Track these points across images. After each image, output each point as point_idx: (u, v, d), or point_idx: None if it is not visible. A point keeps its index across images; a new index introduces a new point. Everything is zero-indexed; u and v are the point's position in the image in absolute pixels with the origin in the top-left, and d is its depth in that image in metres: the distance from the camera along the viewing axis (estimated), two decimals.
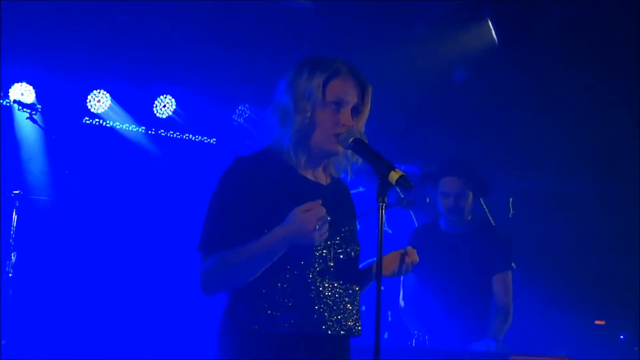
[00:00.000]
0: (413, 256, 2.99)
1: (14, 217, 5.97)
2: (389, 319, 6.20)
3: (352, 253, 2.99)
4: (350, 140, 2.86)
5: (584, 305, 7.21)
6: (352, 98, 2.95)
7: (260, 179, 2.87)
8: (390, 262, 2.99)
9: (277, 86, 3.03)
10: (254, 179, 2.87)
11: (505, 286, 5.17)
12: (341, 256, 2.94)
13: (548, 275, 7.37)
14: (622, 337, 6.99)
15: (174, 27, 6.54)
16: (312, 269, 2.86)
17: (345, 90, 2.95)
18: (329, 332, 2.88)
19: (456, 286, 5.17)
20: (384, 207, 2.71)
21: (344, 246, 2.96)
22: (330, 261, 2.90)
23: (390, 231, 7.34)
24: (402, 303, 5.39)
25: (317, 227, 2.72)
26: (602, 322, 7.09)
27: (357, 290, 3.00)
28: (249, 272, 2.81)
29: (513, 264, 5.32)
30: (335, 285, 2.91)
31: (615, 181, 7.38)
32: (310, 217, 2.72)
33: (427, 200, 5.32)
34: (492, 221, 5.94)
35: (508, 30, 6.43)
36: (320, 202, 2.76)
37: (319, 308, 2.86)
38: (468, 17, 6.53)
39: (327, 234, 2.77)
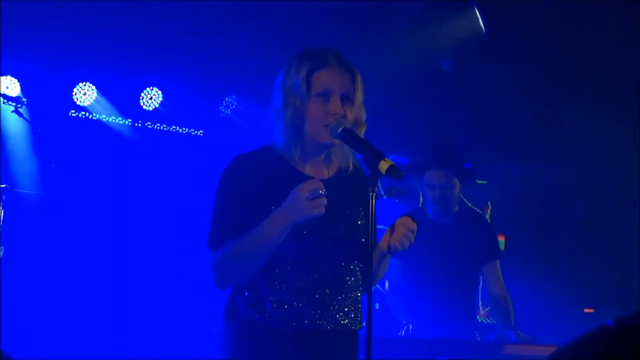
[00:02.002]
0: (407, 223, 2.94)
1: (1, 211, 5.93)
2: (377, 306, 6.19)
3: (352, 246, 2.98)
4: (340, 129, 2.84)
5: (573, 293, 7.23)
6: (339, 87, 2.93)
7: (258, 175, 2.88)
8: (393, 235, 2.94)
9: (273, 83, 3.03)
10: (252, 176, 2.88)
11: (495, 275, 5.13)
12: (338, 249, 2.92)
13: (537, 263, 7.38)
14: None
15: (160, 18, 6.51)
16: (307, 263, 2.84)
17: (331, 79, 2.93)
18: (328, 328, 2.87)
19: (442, 274, 5.13)
20: (374, 196, 2.70)
21: (342, 239, 2.94)
22: (325, 255, 2.88)
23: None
24: (386, 286, 5.36)
25: (308, 196, 2.71)
26: (591, 310, 7.11)
27: (355, 283, 2.98)
28: (254, 259, 2.80)
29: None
30: (332, 278, 2.90)
31: (605, 170, 7.39)
32: (301, 189, 2.72)
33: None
34: (486, 211, 5.86)
35: (495, 20, 6.42)
36: (319, 179, 2.77)
37: (316, 303, 2.85)
38: (455, 6, 6.52)
39: (323, 206, 2.73)
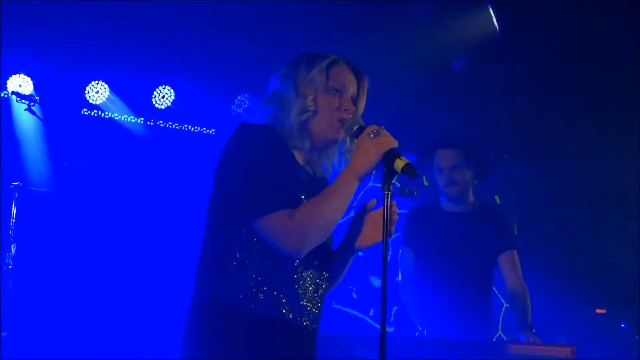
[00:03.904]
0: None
1: (14, 208, 5.96)
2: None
3: (330, 245, 2.99)
4: (355, 127, 2.84)
5: (585, 293, 7.21)
6: (352, 87, 2.95)
7: (272, 149, 2.83)
8: (373, 228, 2.90)
9: (269, 80, 3.01)
10: (269, 147, 2.83)
11: (512, 265, 4.99)
12: (321, 248, 2.88)
13: (549, 263, 7.36)
14: (623, 325, 6.99)
15: (173, 17, 6.52)
16: (299, 260, 2.82)
17: (346, 76, 2.95)
18: (304, 324, 2.86)
19: (455, 266, 5.05)
20: (389, 195, 2.68)
21: (326, 241, 2.92)
22: (313, 252, 2.84)
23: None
24: (399, 278, 5.32)
25: (371, 135, 2.72)
26: (603, 311, 7.09)
27: (327, 285, 2.97)
28: (336, 216, 2.75)
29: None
30: (317, 279, 2.90)
31: (616, 169, 7.37)
32: (364, 134, 2.75)
33: (425, 183, 5.13)
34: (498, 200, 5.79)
35: (509, 19, 6.39)
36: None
37: (300, 299, 2.83)
38: (468, 4, 6.50)
39: (390, 140, 2.73)
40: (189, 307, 2.87)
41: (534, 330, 4.62)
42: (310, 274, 2.87)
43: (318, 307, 2.91)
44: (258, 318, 2.76)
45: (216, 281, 2.80)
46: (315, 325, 2.91)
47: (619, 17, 6.23)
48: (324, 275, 2.93)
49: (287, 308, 2.80)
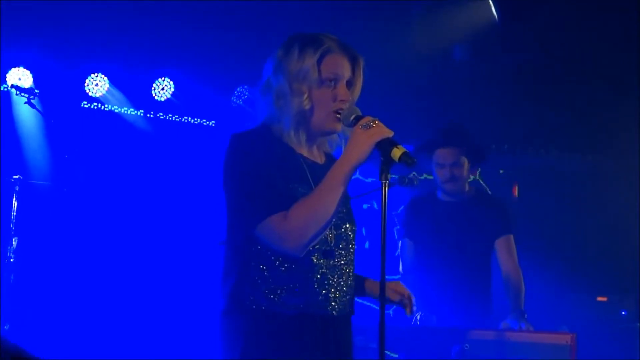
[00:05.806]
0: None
1: (14, 202, 5.96)
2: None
3: (350, 233, 2.99)
4: (352, 117, 2.84)
5: (586, 281, 7.21)
6: (346, 72, 2.93)
7: (263, 155, 2.85)
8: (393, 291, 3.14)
9: (264, 65, 3.00)
10: (259, 155, 2.84)
11: (508, 249, 5.03)
12: (340, 236, 2.92)
13: (550, 251, 7.37)
14: (623, 313, 6.99)
15: (172, 10, 6.51)
16: (314, 250, 2.84)
17: (339, 64, 2.92)
18: (334, 313, 2.89)
19: (453, 255, 5.08)
20: (387, 184, 2.67)
21: (342, 226, 2.94)
22: (330, 242, 2.89)
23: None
24: (400, 269, 5.34)
25: (362, 128, 2.71)
26: (604, 299, 7.10)
27: (353, 269, 3.00)
28: (330, 210, 2.74)
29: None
30: (337, 265, 2.91)
31: (616, 157, 7.37)
32: (357, 126, 2.74)
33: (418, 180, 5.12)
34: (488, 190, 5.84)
35: (509, 8, 6.39)
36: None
37: (324, 289, 2.85)
38: None
39: (382, 130, 2.71)
40: (220, 316, 2.92)
41: (525, 316, 4.64)
42: (328, 262, 2.87)
43: (345, 292, 2.92)
44: (286, 317, 2.81)
45: (240, 287, 2.84)
46: (346, 310, 2.94)
47: (619, 7, 6.23)
48: (347, 260, 2.94)
49: (310, 301, 2.83)
